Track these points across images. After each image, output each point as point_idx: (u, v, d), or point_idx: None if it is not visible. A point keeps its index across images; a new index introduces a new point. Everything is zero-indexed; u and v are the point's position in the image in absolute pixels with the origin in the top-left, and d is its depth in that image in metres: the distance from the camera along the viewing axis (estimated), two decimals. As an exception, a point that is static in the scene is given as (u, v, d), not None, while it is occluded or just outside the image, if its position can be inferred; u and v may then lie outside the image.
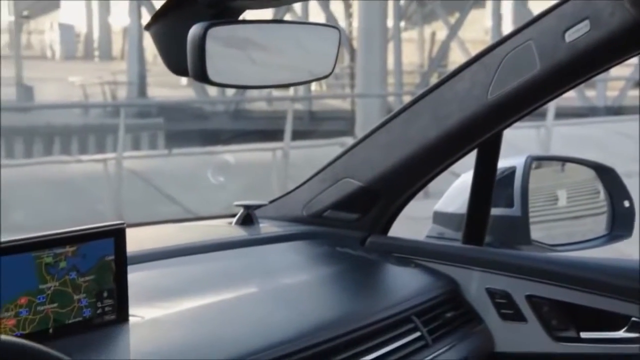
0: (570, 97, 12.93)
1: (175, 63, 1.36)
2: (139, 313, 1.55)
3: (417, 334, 1.88)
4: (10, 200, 8.05)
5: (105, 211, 9.03)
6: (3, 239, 1.36)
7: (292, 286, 1.85)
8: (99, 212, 8.84)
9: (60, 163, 11.05)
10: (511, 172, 2.19)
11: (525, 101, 1.96)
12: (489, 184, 2.11)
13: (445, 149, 2.07)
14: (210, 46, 1.29)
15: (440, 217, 2.27)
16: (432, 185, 2.26)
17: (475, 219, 2.12)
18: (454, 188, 2.27)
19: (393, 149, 2.11)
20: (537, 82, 1.90)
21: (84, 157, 11.63)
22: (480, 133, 2.03)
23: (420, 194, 2.23)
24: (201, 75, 1.30)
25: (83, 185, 9.75)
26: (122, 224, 1.51)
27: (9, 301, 1.34)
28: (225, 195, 8.12)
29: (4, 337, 0.86)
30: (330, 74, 1.54)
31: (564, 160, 2.45)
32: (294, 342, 1.57)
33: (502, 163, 2.15)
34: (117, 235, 1.50)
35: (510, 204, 2.17)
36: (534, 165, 2.23)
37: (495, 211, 2.14)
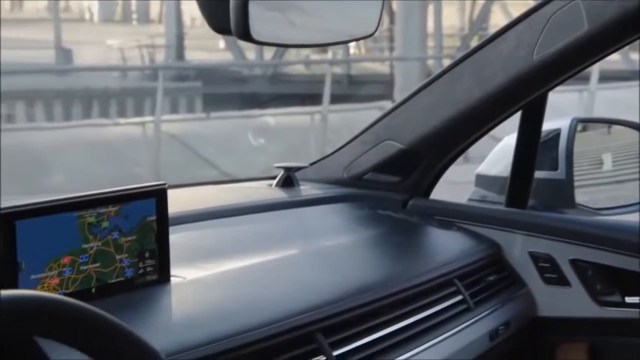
0: (614, 60, 12.74)
1: (217, 22, 1.34)
2: (181, 274, 1.56)
3: (459, 297, 1.87)
4: (50, 163, 8.13)
5: (143, 174, 9.09)
6: (45, 199, 1.37)
7: (333, 248, 1.85)
8: (137, 175, 8.89)
9: (98, 126, 11.11)
10: (556, 134, 2.17)
11: (572, 62, 1.93)
12: (533, 147, 2.09)
13: (488, 110, 2.04)
14: (253, 5, 1.28)
15: (482, 180, 2.26)
16: (473, 150, 2.24)
17: (519, 182, 2.10)
18: (498, 150, 2.25)
19: (435, 111, 2.10)
20: (585, 42, 1.87)
21: (122, 121, 11.68)
22: (525, 94, 2.00)
23: (460, 158, 2.22)
24: (244, 34, 1.29)
25: (121, 148, 9.81)
26: (164, 184, 1.52)
27: (53, 260, 1.35)
28: (263, 159, 8.13)
29: (47, 294, 0.86)
30: (373, 34, 1.52)
31: (609, 122, 2.42)
32: (337, 304, 1.57)
33: (547, 125, 2.12)
34: (158, 195, 1.50)
35: (554, 167, 2.15)
36: (579, 128, 2.20)
37: (539, 174, 2.12)
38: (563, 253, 1.99)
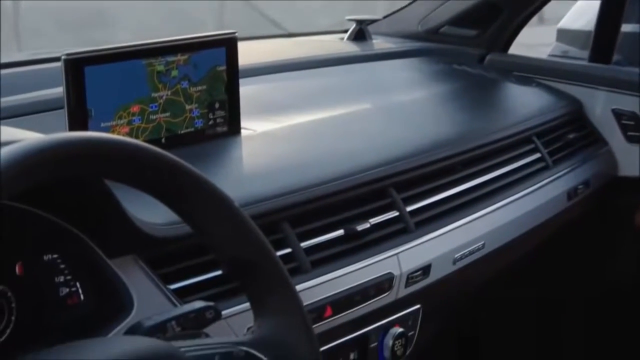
0: None
1: None
2: (251, 126, 1.54)
3: (537, 155, 1.84)
4: (113, 18, 8.12)
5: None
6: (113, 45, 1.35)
7: (407, 103, 1.82)
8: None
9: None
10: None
11: None
12: (620, -3, 2.00)
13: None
14: None
15: (564, 35, 2.19)
16: (548, 10, 2.15)
17: (604, 36, 2.03)
18: (582, 3, 2.17)
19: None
20: None
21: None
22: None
23: (535, 19, 2.14)
24: None
25: (186, 8, 9.76)
26: (234, 33, 1.48)
27: (122, 108, 1.34)
28: (328, 21, 8.01)
29: (118, 136, 0.85)
30: None
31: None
32: (411, 159, 1.54)
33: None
34: (228, 44, 1.47)
35: (642, 20, 2.07)
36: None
37: (625, 27, 2.04)
38: None
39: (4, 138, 0.93)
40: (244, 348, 0.92)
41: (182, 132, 1.43)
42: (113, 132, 1.33)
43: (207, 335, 0.96)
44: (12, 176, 0.74)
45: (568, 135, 1.93)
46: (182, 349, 0.86)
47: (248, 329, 0.98)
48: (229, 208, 0.92)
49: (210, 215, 0.91)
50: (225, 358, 0.90)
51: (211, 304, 0.98)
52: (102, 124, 1.32)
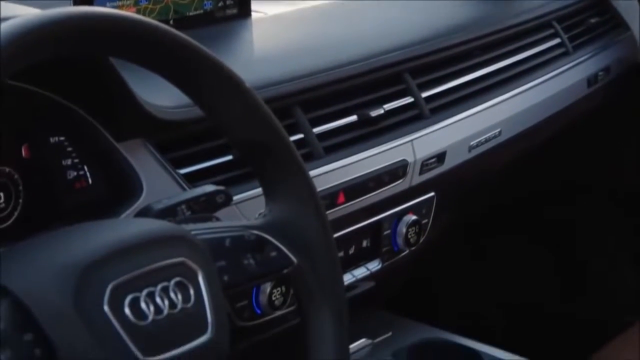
0: None
1: None
2: (261, 9, 1.51)
3: (557, 40, 1.81)
4: None
5: None
6: None
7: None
8: None
9: None
10: None
11: None
12: None
13: None
14: None
15: None
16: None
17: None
18: None
19: None
20: None
21: None
22: None
23: None
24: None
25: None
26: None
27: (128, -12, 1.32)
28: None
29: (123, 12, 0.83)
30: None
31: None
32: (426, 44, 1.52)
33: None
34: None
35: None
36: None
37: None
38: None
39: (4, 14, 0.91)
40: (255, 232, 0.92)
41: (191, 13, 1.40)
42: (119, 12, 1.30)
43: (217, 219, 0.95)
44: (12, 53, 0.72)
45: (589, 19, 1.89)
46: (193, 232, 0.85)
47: (260, 214, 0.97)
48: (240, 88, 0.90)
49: (220, 95, 0.89)
50: (236, 241, 0.90)
51: (222, 188, 0.98)
52: (108, 4, 1.29)
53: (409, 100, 1.46)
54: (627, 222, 2.10)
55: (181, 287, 0.78)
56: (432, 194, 1.48)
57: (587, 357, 1.68)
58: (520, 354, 1.46)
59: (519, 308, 2.13)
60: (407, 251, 1.44)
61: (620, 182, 2.07)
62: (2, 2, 0.97)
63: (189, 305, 0.79)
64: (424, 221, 1.47)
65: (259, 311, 1.19)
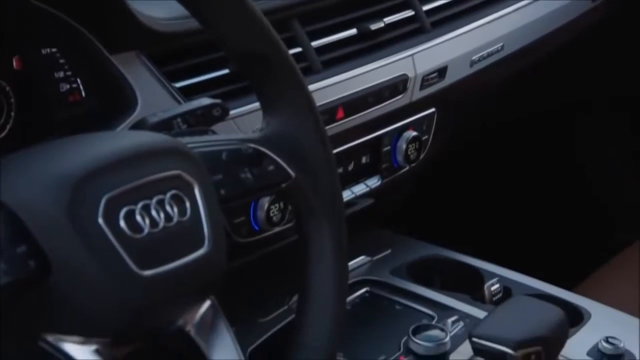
0: None
1: None
2: None
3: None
4: None
5: None
6: None
7: None
8: None
9: None
10: None
11: None
12: None
13: None
14: None
15: None
16: None
17: None
18: None
19: None
20: None
21: None
22: None
23: None
24: None
25: None
26: None
27: None
28: None
29: None
30: None
31: None
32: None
33: None
34: None
35: None
36: None
37: None
38: None
39: None
40: (252, 145, 0.91)
41: None
42: None
43: (214, 133, 0.94)
44: None
45: None
46: (189, 145, 0.84)
47: (257, 128, 0.96)
48: (237, -2, 0.88)
49: (219, 7, 0.87)
50: (233, 155, 0.89)
51: (218, 101, 0.96)
52: None
53: (409, 13, 1.44)
54: (632, 139, 2.09)
55: (177, 200, 0.78)
56: (432, 109, 1.47)
57: (586, 274, 1.68)
58: (519, 271, 1.46)
59: (518, 225, 2.14)
60: (407, 168, 1.43)
61: (622, 91, 2.05)
62: None
63: (185, 218, 0.78)
64: (425, 137, 1.46)
65: (256, 228, 1.19)
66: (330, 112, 1.27)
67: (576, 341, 1.25)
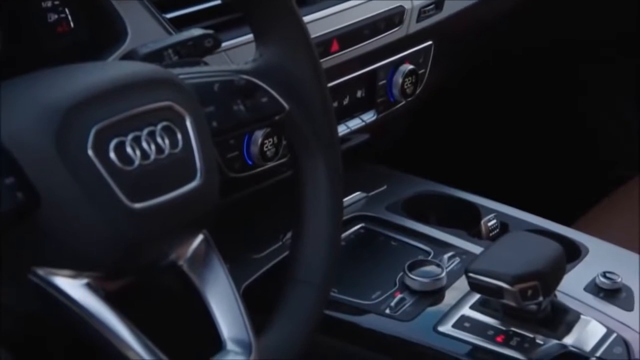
0: None
1: None
2: None
3: None
4: None
5: None
6: None
7: None
8: None
9: None
10: None
11: None
12: None
13: None
14: None
15: None
16: None
17: None
18: None
19: None
20: None
21: None
22: None
23: None
24: None
25: None
26: None
27: None
28: None
29: None
30: None
31: None
32: None
33: None
34: None
35: None
36: None
37: None
38: None
39: None
40: (245, 76, 0.90)
41: None
42: None
43: (205, 64, 0.93)
44: None
45: None
46: (180, 76, 0.84)
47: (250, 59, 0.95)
48: None
49: None
50: (225, 86, 0.88)
51: (210, 31, 0.95)
52: None
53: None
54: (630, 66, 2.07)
55: (168, 131, 0.77)
56: (429, 42, 1.46)
57: (584, 211, 1.68)
58: (517, 208, 1.46)
59: (516, 161, 2.13)
60: (403, 102, 1.42)
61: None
62: None
63: (177, 150, 0.77)
64: (421, 71, 1.45)
65: (250, 162, 1.18)
66: (325, 44, 1.25)
67: (573, 276, 1.26)
